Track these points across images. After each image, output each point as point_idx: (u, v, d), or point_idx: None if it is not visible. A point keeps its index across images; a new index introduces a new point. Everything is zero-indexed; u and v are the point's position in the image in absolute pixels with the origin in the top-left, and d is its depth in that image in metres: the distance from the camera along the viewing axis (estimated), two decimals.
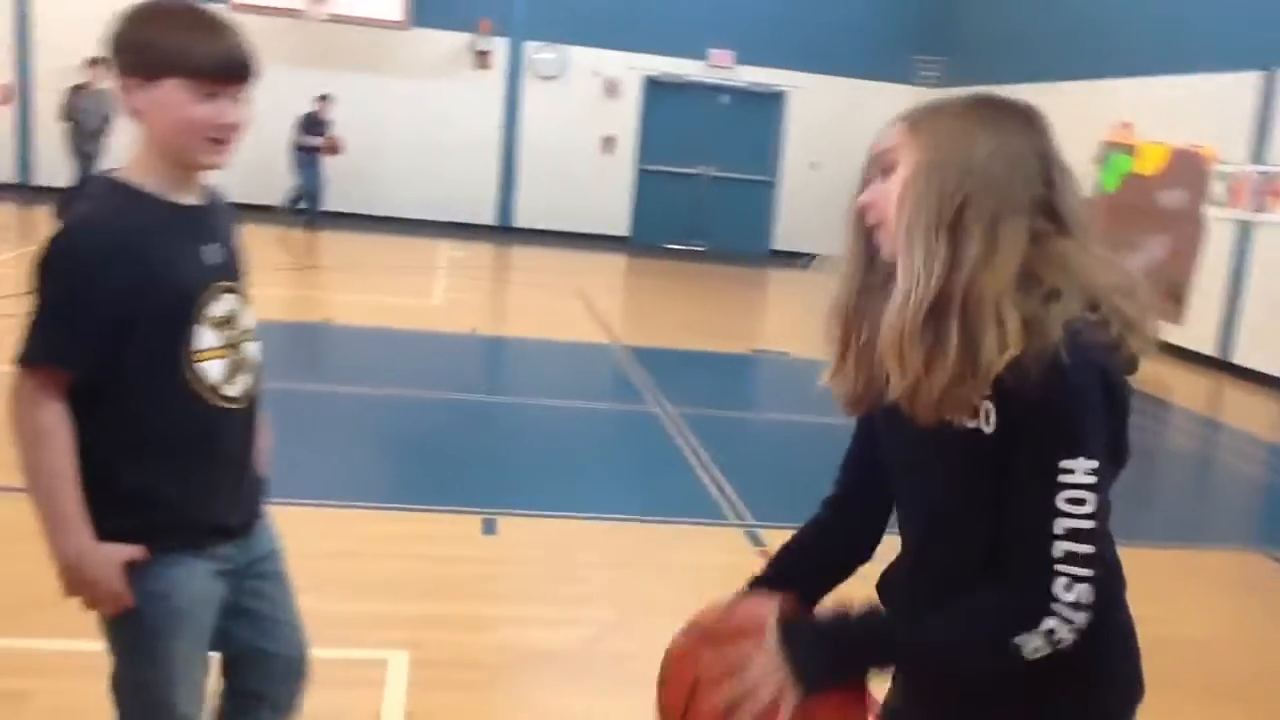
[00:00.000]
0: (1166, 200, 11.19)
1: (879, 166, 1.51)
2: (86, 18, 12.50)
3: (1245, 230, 10.30)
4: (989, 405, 1.39)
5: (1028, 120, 1.47)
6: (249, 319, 2.02)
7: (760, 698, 1.45)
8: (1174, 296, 10.75)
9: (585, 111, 15.65)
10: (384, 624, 3.60)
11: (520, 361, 8.62)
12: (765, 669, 1.46)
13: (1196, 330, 10.45)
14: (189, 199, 1.93)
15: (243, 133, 1.89)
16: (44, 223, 11.09)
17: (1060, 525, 1.35)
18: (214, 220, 1.98)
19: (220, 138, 1.84)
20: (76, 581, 1.87)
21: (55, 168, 12.83)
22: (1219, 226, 10.59)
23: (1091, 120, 11.62)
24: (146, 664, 1.96)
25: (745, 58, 15.99)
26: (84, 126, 11.80)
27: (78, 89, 11.96)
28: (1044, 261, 1.39)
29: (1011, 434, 1.37)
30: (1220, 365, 10.32)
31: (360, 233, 13.92)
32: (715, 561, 4.47)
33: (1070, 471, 1.35)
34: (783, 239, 16.53)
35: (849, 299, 1.61)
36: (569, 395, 7.29)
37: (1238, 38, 10.53)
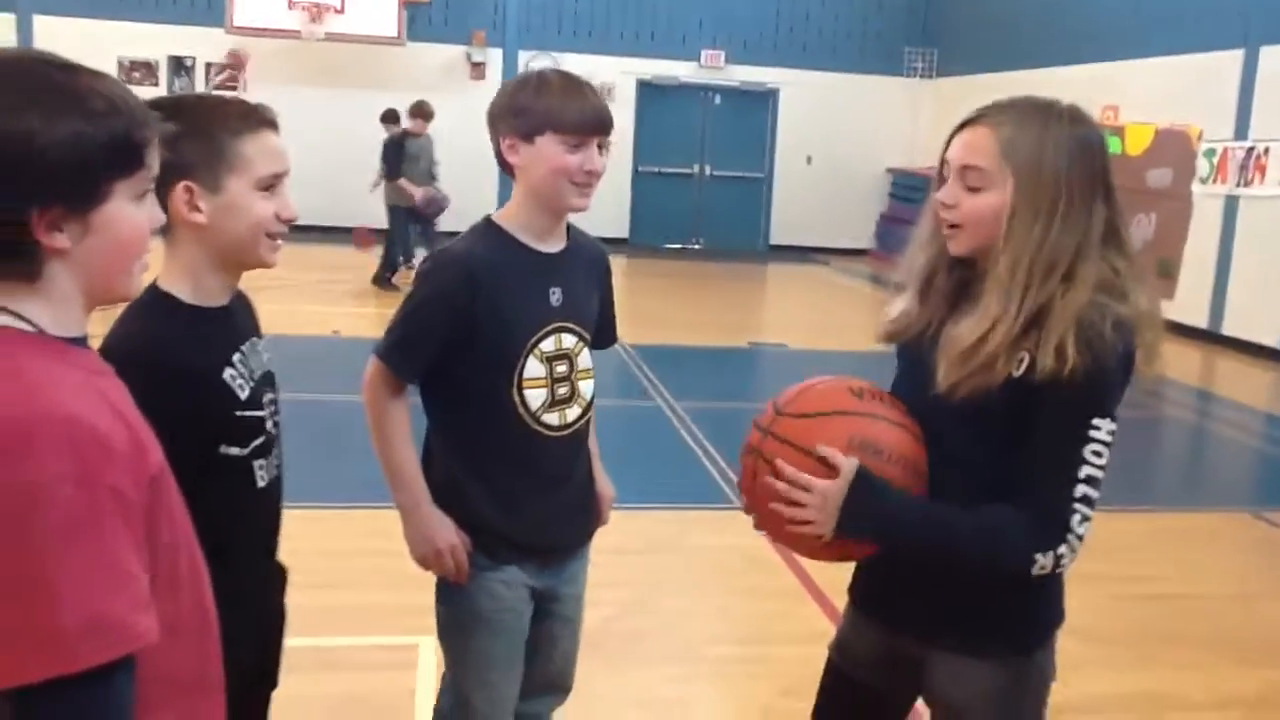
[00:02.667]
0: (1154, 180, 11.40)
1: (961, 176, 1.74)
2: (85, 48, 12.80)
3: (1232, 205, 10.50)
4: (1024, 357, 1.66)
5: (1098, 139, 1.75)
6: (585, 358, 2.25)
7: (807, 521, 1.72)
8: (1164, 272, 10.96)
9: None
10: (415, 612, 3.76)
11: None
12: (823, 504, 1.70)
13: (1188, 304, 10.66)
14: (549, 246, 2.19)
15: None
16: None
17: (1083, 471, 1.66)
18: (568, 267, 2.22)
19: (586, 183, 2.11)
20: (418, 539, 2.15)
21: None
22: (1206, 202, 10.79)
23: (1079, 103, 11.78)
24: (457, 662, 2.27)
25: (736, 57, 16.21)
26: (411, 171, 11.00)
27: (404, 135, 11.17)
28: (1106, 278, 1.69)
29: (1041, 393, 1.64)
30: (1211, 337, 10.53)
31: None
32: (723, 543, 4.70)
33: (1098, 429, 1.66)
34: (779, 234, 16.75)
35: (929, 261, 1.85)
36: None
37: (1218, 16, 10.73)
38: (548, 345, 2.16)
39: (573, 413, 2.22)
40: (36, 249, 1.16)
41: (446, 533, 2.14)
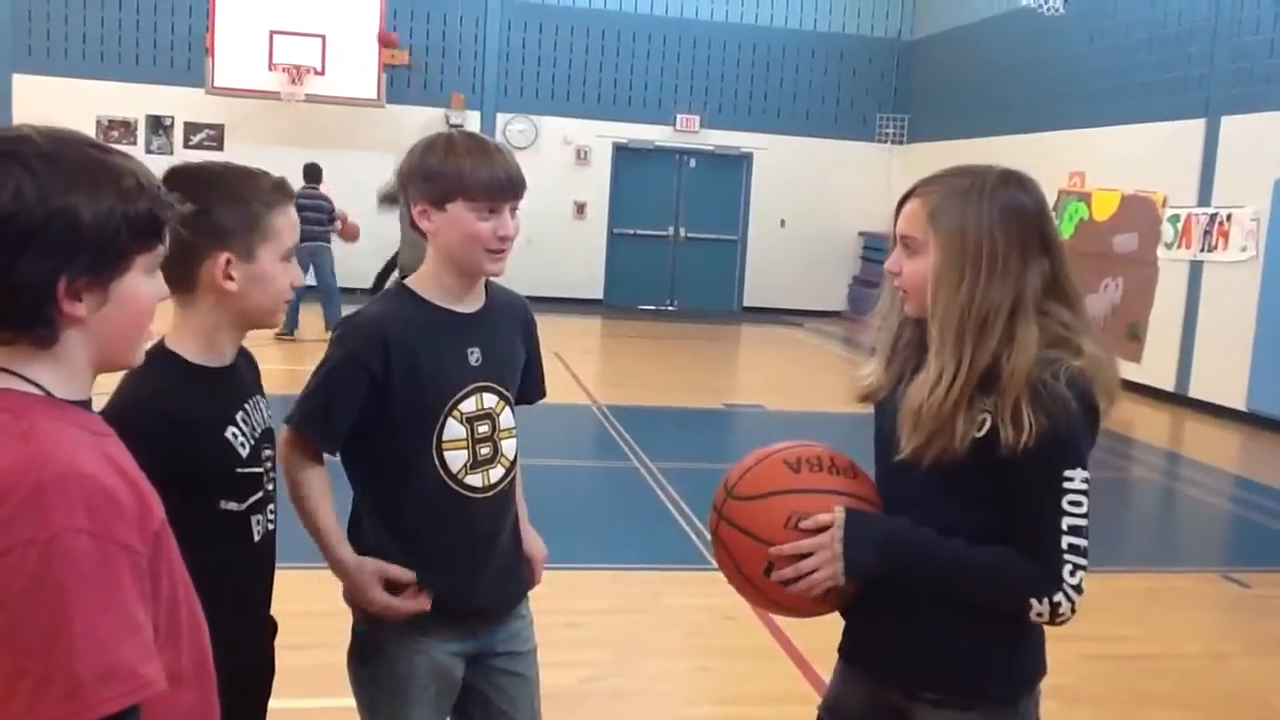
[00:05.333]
0: (1120, 244, 11.62)
1: (901, 243, 1.87)
2: (64, 107, 12.86)
3: (1196, 270, 10.71)
4: (985, 418, 1.73)
5: (1032, 200, 1.83)
6: (508, 417, 2.20)
7: (814, 580, 1.79)
8: (1132, 336, 11.13)
9: (557, 179, 16.03)
10: None
11: None
12: (824, 558, 1.79)
13: (1155, 367, 10.82)
14: (466, 307, 2.16)
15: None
16: None
17: (1065, 522, 1.73)
18: (487, 326, 2.18)
19: (499, 249, 2.09)
20: (365, 586, 2.08)
21: None
22: (1171, 267, 11.00)
23: (1046, 171, 11.97)
24: None
25: (710, 121, 16.47)
26: None
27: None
28: (1054, 333, 1.77)
29: (1009, 456, 1.70)
30: (1178, 399, 10.68)
31: (345, 305, 14.15)
32: (702, 604, 4.71)
33: (1071, 479, 1.73)
34: (753, 295, 16.91)
35: (893, 324, 1.95)
36: (555, 455, 7.53)
37: (1181, 86, 11.02)
38: (468, 406, 2.12)
39: (496, 473, 2.17)
40: (57, 316, 1.21)
41: (378, 593, 2.08)
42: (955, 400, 1.74)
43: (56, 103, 13.13)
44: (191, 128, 15.20)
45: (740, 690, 4.02)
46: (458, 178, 2.04)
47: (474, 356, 2.14)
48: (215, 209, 1.73)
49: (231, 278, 1.78)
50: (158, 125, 15.20)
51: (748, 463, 1.95)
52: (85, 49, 14.89)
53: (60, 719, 1.09)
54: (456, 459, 2.11)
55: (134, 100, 14.99)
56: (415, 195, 2.08)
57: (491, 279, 2.23)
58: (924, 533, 1.80)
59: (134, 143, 14.85)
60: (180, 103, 15.04)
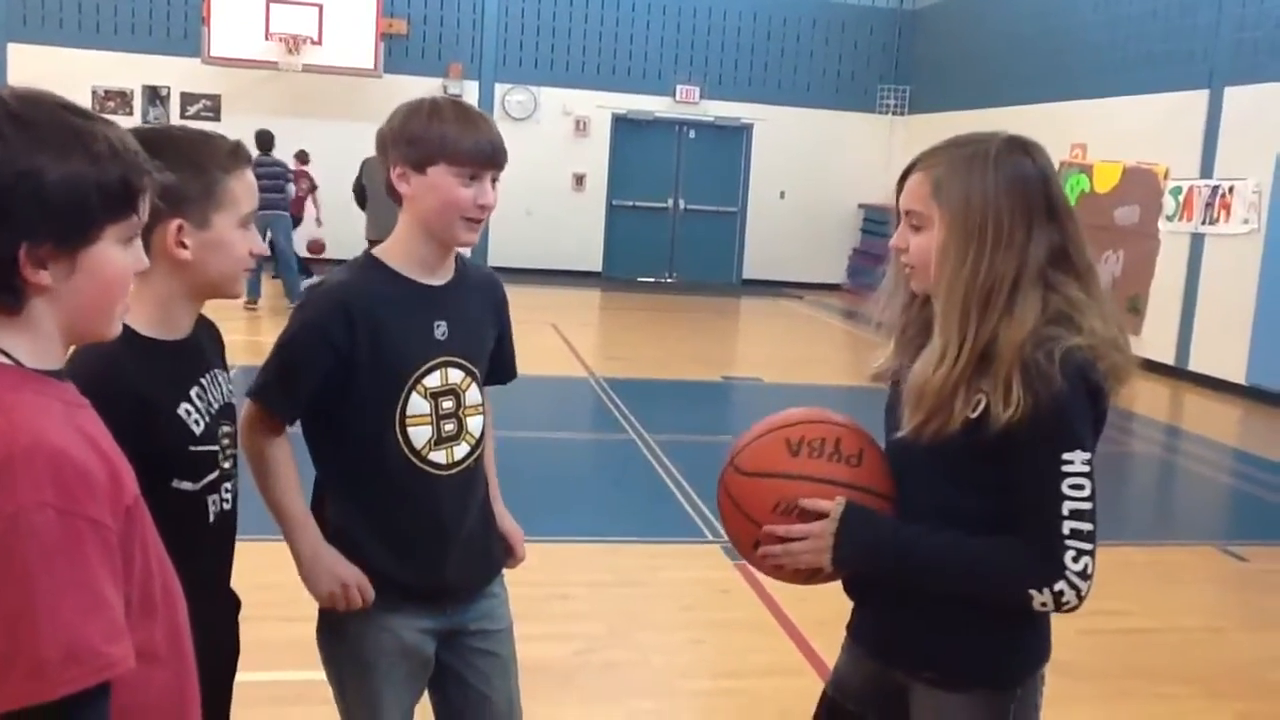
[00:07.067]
0: (1121, 216, 11.56)
1: (906, 219, 1.82)
2: (60, 77, 12.76)
3: (1198, 242, 10.66)
4: (980, 399, 1.69)
5: (1036, 167, 1.77)
6: (474, 394, 2.14)
7: (800, 561, 1.79)
8: (1132, 309, 11.09)
9: (556, 150, 15.96)
10: None
11: (503, 396, 8.80)
12: (815, 545, 1.78)
13: (1155, 340, 10.79)
14: (435, 279, 2.11)
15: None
16: None
17: (1066, 507, 1.68)
18: (456, 300, 2.13)
19: (476, 217, 2.05)
20: (323, 577, 2.04)
21: None
22: (1172, 240, 10.95)
23: (1048, 142, 11.74)
24: (348, 703, 2.17)
25: (710, 92, 16.37)
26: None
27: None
28: (1057, 309, 1.72)
29: (1005, 436, 1.66)
30: (1178, 373, 10.65)
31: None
32: (696, 577, 4.71)
33: (1070, 462, 1.68)
34: (752, 268, 16.86)
35: (900, 303, 1.92)
36: (552, 427, 7.52)
37: (1184, 58, 10.94)
38: (432, 380, 2.08)
39: (461, 450, 2.12)
40: (21, 284, 1.17)
41: (347, 568, 2.05)
42: (958, 378, 1.70)
43: (52, 72, 13.02)
44: (188, 98, 15.11)
45: (735, 663, 4.01)
46: (440, 142, 2.00)
47: (440, 330, 2.09)
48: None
49: (185, 245, 1.72)
50: (154, 95, 15.11)
51: (756, 431, 1.91)
52: (81, 18, 14.78)
53: (23, 698, 1.07)
54: (420, 435, 2.07)
55: (130, 70, 14.89)
56: (396, 158, 2.04)
57: (461, 256, 2.19)
58: (915, 532, 1.76)
59: (130, 113, 14.77)
60: (177, 73, 14.94)
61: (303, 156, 13.38)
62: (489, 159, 2.04)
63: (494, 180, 2.07)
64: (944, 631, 1.81)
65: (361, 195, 10.66)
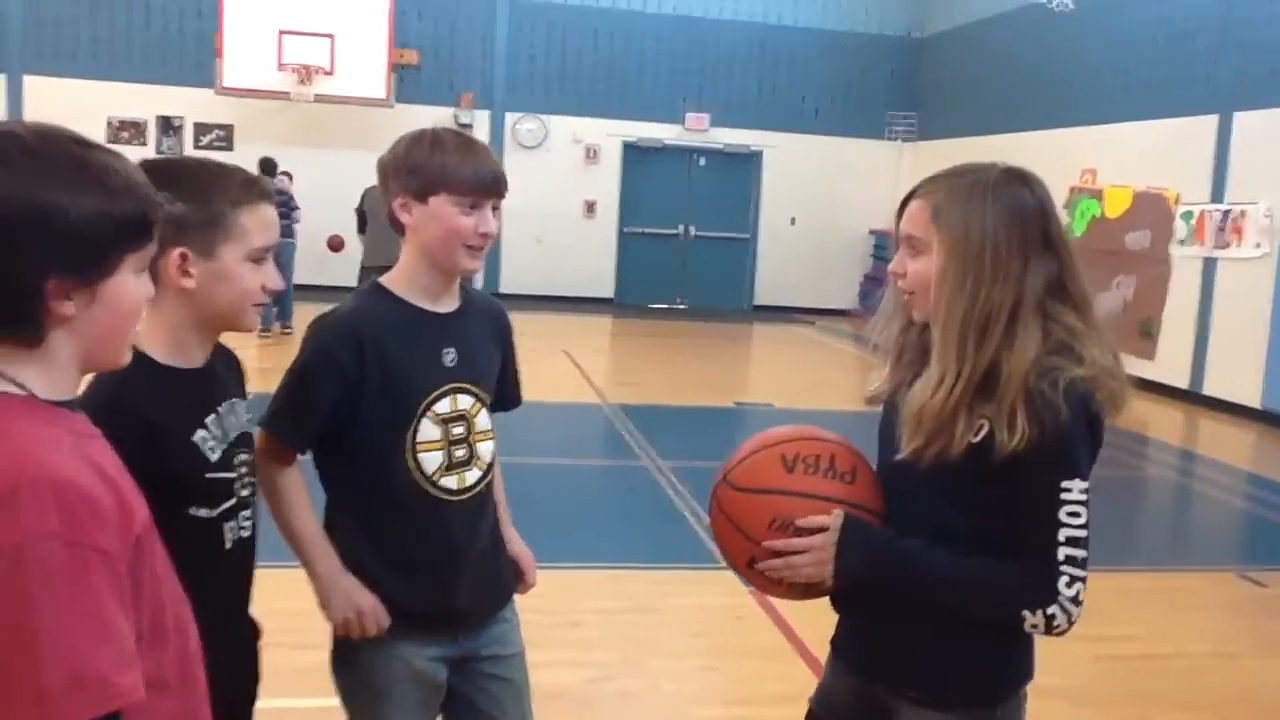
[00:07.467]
0: (1133, 242, 11.55)
1: (906, 244, 1.84)
2: (74, 108, 12.90)
3: (1210, 266, 10.64)
4: (983, 425, 1.70)
5: (1035, 199, 1.79)
6: (484, 420, 2.16)
7: (801, 575, 1.80)
8: (1145, 334, 11.07)
9: (567, 178, 16.04)
10: None
11: (515, 422, 8.81)
12: (817, 557, 1.79)
13: (1168, 364, 10.76)
14: (441, 306, 2.13)
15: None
16: None
17: (1063, 534, 1.69)
18: (463, 327, 2.15)
19: (478, 245, 2.07)
20: (341, 603, 2.04)
21: None
22: (1185, 264, 10.94)
23: (1058, 168, 11.99)
24: None
25: (720, 120, 16.44)
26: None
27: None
28: (1058, 339, 1.73)
29: (1006, 463, 1.68)
30: (1192, 397, 10.61)
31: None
32: (708, 604, 4.69)
33: (1069, 490, 1.69)
34: (763, 294, 16.88)
35: (898, 327, 1.94)
36: (564, 453, 7.52)
37: (1193, 82, 10.96)
38: (442, 406, 2.09)
39: (472, 475, 2.14)
40: (44, 316, 1.19)
41: (364, 595, 2.05)
42: (956, 403, 1.72)
43: (67, 104, 13.14)
44: (201, 128, 15.24)
45: (748, 690, 3.99)
46: (441, 172, 2.02)
47: (449, 357, 2.11)
48: (174, 202, 1.65)
49: (190, 274, 1.73)
50: (168, 126, 15.24)
51: (749, 448, 1.93)
52: (95, 50, 14.93)
53: None
54: (431, 460, 2.08)
55: (144, 101, 15.03)
56: (397, 188, 2.06)
57: (466, 284, 2.21)
58: (915, 545, 1.78)
59: (144, 144, 14.90)
60: (190, 103, 15.08)
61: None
62: (489, 188, 2.07)
63: (495, 208, 2.09)
64: (928, 649, 1.82)
65: (362, 221, 10.81)
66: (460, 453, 2.12)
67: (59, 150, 1.20)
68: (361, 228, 10.77)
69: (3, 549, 1.09)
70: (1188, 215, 10.87)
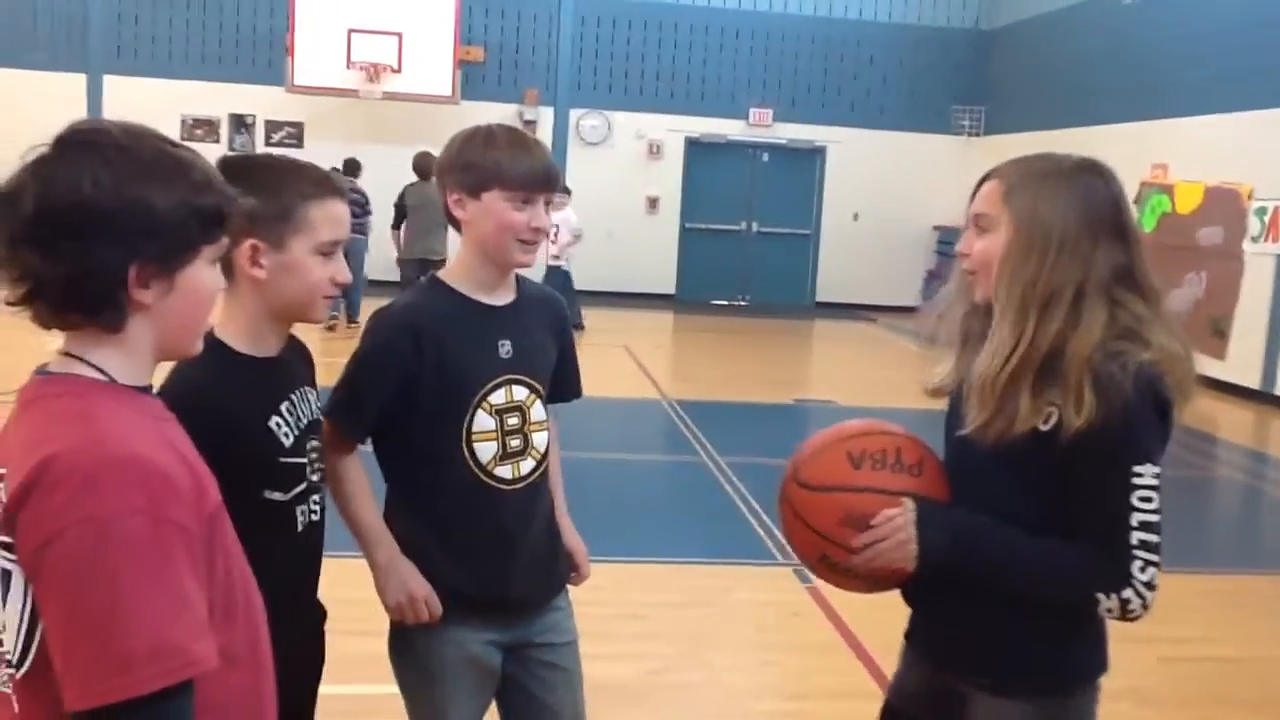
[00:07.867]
0: (1204, 238, 11.33)
1: (974, 223, 1.87)
2: (150, 106, 13.21)
3: None
4: (1053, 412, 1.72)
5: (1108, 189, 1.81)
6: (539, 410, 2.21)
7: (885, 561, 1.81)
8: (1216, 332, 10.86)
9: (630, 174, 16.09)
10: None
11: (576, 418, 8.88)
12: (898, 539, 1.80)
13: (1240, 364, 10.54)
14: (497, 299, 2.19)
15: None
16: None
17: (1135, 518, 1.71)
18: (519, 319, 2.20)
19: (531, 239, 2.12)
20: (395, 588, 2.10)
21: None
22: (1257, 261, 10.71)
23: (1127, 163, 11.72)
24: (417, 717, 2.24)
25: (783, 115, 16.37)
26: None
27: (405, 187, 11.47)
28: (1124, 324, 1.75)
29: (1075, 450, 1.69)
30: (1264, 397, 10.39)
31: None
32: (767, 599, 4.72)
33: (1140, 475, 1.71)
34: (825, 290, 16.80)
35: (962, 313, 1.96)
36: (624, 449, 7.58)
37: (1267, 74, 10.71)
38: (497, 397, 2.14)
39: (526, 465, 2.18)
40: (125, 303, 1.27)
41: (419, 582, 2.11)
42: (1013, 372, 1.73)
43: (144, 102, 13.45)
44: (272, 125, 15.52)
45: (806, 685, 4.02)
46: (495, 168, 2.08)
47: (504, 349, 2.16)
48: (247, 196, 1.73)
49: (261, 265, 1.80)
50: (240, 124, 15.54)
51: (816, 445, 1.95)
52: (171, 49, 15.27)
53: (110, 693, 1.14)
54: (486, 450, 2.13)
55: (217, 99, 15.34)
56: (451, 185, 2.12)
57: (522, 275, 2.26)
58: (989, 521, 1.80)
59: (217, 141, 15.21)
60: (261, 101, 15.36)
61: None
62: (541, 183, 2.11)
63: (548, 203, 2.15)
64: (1001, 638, 1.83)
65: (399, 216, 11.18)
66: (515, 443, 2.17)
67: (147, 146, 1.29)
68: (397, 223, 11.19)
69: (91, 523, 1.16)
70: (1261, 211, 10.64)
